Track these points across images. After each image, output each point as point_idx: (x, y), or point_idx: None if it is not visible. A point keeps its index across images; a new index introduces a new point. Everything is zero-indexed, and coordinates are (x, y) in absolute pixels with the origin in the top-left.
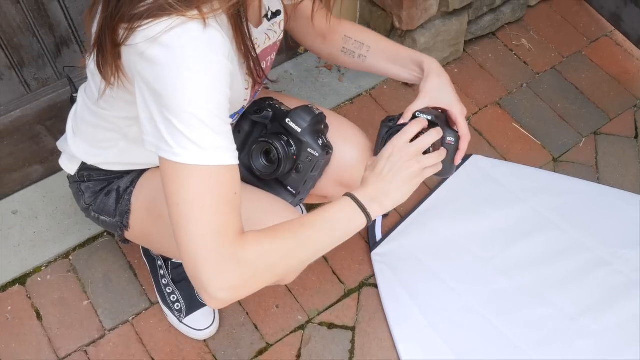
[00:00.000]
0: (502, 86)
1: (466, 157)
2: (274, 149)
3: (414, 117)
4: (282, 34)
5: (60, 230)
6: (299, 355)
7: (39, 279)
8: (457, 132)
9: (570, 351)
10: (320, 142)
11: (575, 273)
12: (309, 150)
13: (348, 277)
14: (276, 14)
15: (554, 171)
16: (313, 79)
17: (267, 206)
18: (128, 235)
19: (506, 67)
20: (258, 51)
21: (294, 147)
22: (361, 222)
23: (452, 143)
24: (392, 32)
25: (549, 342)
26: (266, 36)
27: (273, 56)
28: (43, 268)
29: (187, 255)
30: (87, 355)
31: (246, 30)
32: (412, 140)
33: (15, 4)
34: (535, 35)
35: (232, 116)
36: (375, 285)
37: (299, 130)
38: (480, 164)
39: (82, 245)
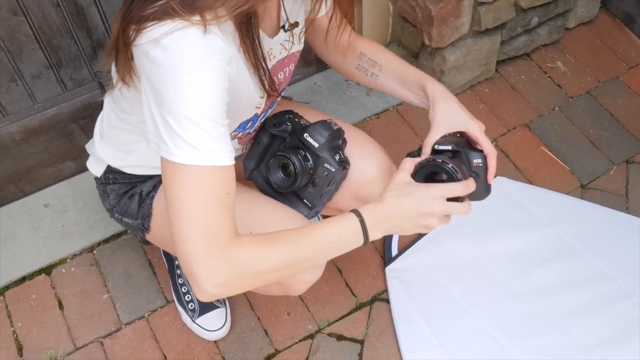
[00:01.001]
0: (533, 108)
1: None
2: (291, 163)
3: (434, 150)
4: (301, 46)
5: (87, 225)
6: None
7: (64, 270)
8: (481, 151)
9: None
10: (337, 157)
11: (595, 303)
12: (325, 165)
13: (361, 291)
14: (295, 25)
15: (581, 198)
16: (341, 92)
17: (280, 217)
18: (148, 237)
19: (539, 89)
20: (273, 62)
21: (310, 162)
22: (358, 243)
23: (481, 165)
24: (422, 49)
25: None
26: (282, 47)
27: (291, 67)
28: (68, 260)
29: (180, 252)
30: (102, 347)
31: (255, 39)
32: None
33: (56, 7)
34: (572, 59)
35: (244, 123)
36: (388, 301)
37: (316, 145)
38: (504, 186)
39: (106, 240)
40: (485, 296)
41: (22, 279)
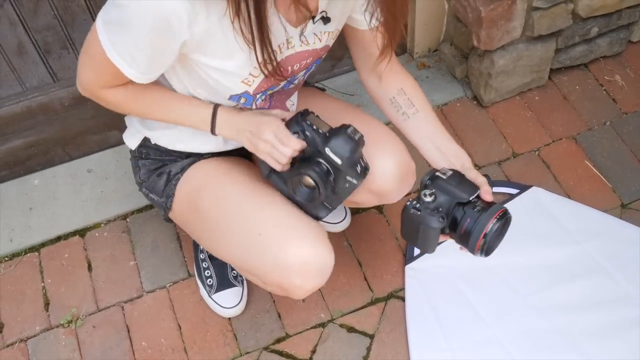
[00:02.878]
0: (583, 121)
1: (525, 188)
2: (313, 181)
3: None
4: (326, 46)
5: (124, 193)
6: (314, 351)
7: (97, 234)
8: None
9: None
10: (358, 169)
11: (617, 326)
12: (347, 177)
13: (378, 286)
14: (326, 21)
15: (620, 217)
16: None
17: (292, 222)
18: (171, 215)
19: (592, 102)
20: (290, 52)
21: (332, 175)
22: (204, 129)
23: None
24: (472, 51)
25: None
26: (304, 38)
27: (309, 61)
28: (102, 225)
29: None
30: (122, 311)
31: (248, 12)
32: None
33: None
34: (632, 73)
35: (235, 97)
36: (403, 299)
37: (339, 162)
38: (539, 197)
39: (139, 210)
40: (504, 306)
41: (58, 239)
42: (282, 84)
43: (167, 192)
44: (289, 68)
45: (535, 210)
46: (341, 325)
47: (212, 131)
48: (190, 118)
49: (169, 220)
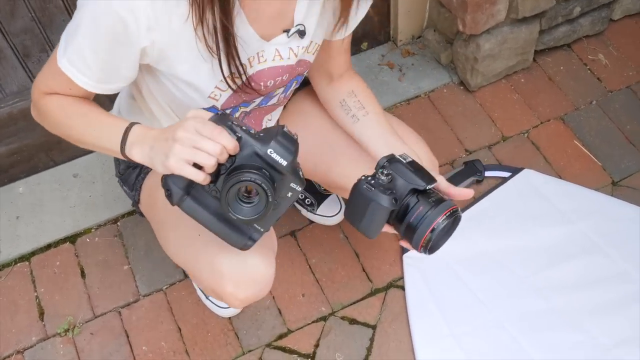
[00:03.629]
0: (570, 101)
1: (517, 170)
2: (261, 189)
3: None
4: (302, 61)
5: (113, 197)
6: (317, 345)
7: (88, 240)
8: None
9: None
10: (300, 173)
11: (616, 303)
12: (291, 185)
13: (377, 276)
14: (302, 34)
15: (612, 195)
16: (373, 76)
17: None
18: (142, 209)
19: (577, 82)
20: (263, 66)
21: (274, 182)
22: (114, 148)
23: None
24: (457, 36)
25: None
26: (277, 53)
27: (285, 78)
28: (93, 230)
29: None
30: (120, 316)
31: (210, 22)
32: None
33: None
34: (614, 51)
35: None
36: (403, 288)
37: (284, 164)
38: (531, 179)
39: (130, 213)
40: (503, 289)
41: (48, 246)
42: (258, 100)
43: (136, 185)
44: (261, 84)
45: (528, 193)
46: (342, 318)
47: (122, 150)
48: (104, 134)
49: (142, 215)
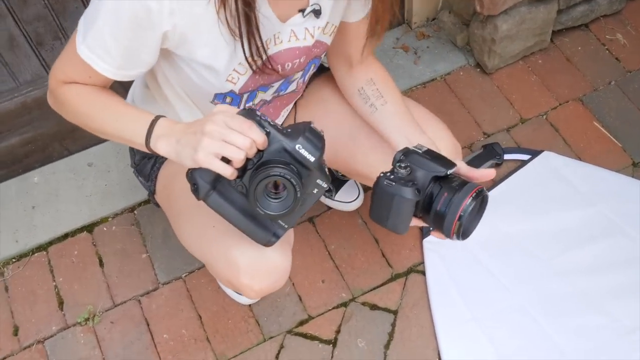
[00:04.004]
0: (588, 82)
1: (537, 153)
2: (290, 184)
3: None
4: (319, 42)
5: (129, 185)
6: (338, 331)
7: (105, 229)
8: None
9: None
10: (326, 170)
11: (638, 284)
12: (318, 181)
13: (397, 262)
14: (318, 14)
15: (632, 176)
16: (388, 60)
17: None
18: (157, 199)
19: (595, 62)
20: (277, 49)
21: (302, 179)
22: (139, 141)
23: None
24: (474, 17)
25: (599, 353)
26: (292, 33)
27: (302, 60)
28: (110, 219)
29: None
30: (140, 304)
31: (238, 4)
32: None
33: None
34: (633, 31)
35: (219, 96)
36: (423, 273)
37: (312, 159)
38: (551, 161)
39: (147, 201)
40: (525, 273)
41: (65, 236)
42: (276, 85)
43: (151, 176)
44: (279, 67)
45: (548, 175)
46: (363, 304)
47: (147, 142)
48: (128, 126)
49: (158, 205)
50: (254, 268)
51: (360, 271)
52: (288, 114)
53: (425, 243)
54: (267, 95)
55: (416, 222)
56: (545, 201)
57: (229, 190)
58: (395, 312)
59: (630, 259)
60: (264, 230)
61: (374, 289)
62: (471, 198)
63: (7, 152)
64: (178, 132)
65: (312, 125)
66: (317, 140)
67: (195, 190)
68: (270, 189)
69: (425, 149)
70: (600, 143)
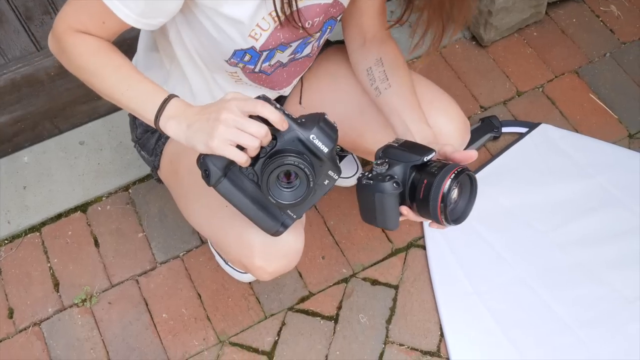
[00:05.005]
0: (583, 54)
1: (534, 126)
2: (304, 173)
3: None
4: (337, 1)
5: (123, 163)
6: (339, 307)
7: (99, 208)
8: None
9: (621, 335)
10: (338, 161)
11: (637, 255)
12: (329, 172)
13: (397, 237)
14: None
15: (629, 148)
16: None
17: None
18: (160, 175)
19: (590, 34)
20: (303, 3)
21: (315, 169)
22: (149, 116)
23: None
24: None
25: (600, 323)
26: None
27: (321, 19)
28: (104, 198)
29: None
30: (138, 284)
31: None
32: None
33: None
34: (626, 2)
35: (239, 53)
36: (424, 247)
37: (325, 150)
38: (549, 134)
39: (141, 180)
40: (525, 245)
41: (58, 216)
42: (294, 45)
43: (155, 151)
44: (306, 22)
45: (546, 147)
46: (364, 279)
47: (156, 120)
48: (140, 98)
49: (160, 182)
50: (268, 250)
51: (361, 247)
52: (294, 88)
53: None
54: (284, 56)
55: (405, 212)
56: (543, 174)
57: (240, 178)
58: (396, 287)
59: (628, 230)
60: (273, 220)
61: (375, 264)
62: (450, 179)
63: None
64: (190, 117)
65: (326, 116)
66: (331, 131)
67: (207, 176)
68: (282, 178)
69: (402, 140)
70: (596, 115)
